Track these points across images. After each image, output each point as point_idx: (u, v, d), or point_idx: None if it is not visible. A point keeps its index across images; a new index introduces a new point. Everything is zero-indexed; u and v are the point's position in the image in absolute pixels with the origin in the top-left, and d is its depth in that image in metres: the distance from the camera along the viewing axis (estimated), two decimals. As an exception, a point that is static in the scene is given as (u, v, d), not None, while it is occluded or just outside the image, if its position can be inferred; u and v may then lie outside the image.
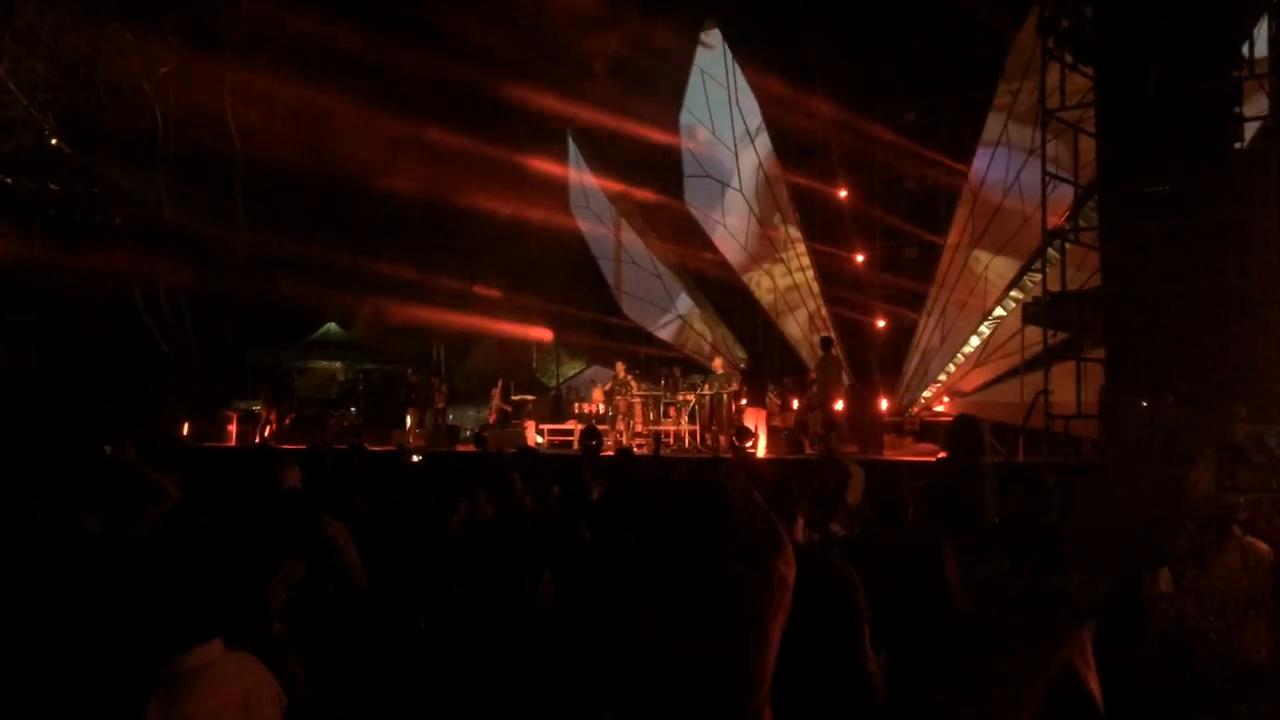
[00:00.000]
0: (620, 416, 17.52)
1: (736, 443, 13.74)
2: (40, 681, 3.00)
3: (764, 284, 19.39)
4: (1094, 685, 3.16)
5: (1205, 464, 3.81)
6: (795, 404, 16.74)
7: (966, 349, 17.38)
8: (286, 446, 15.37)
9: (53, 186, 23.41)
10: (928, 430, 15.78)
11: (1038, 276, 15.57)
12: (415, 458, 12.85)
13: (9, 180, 22.85)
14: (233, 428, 20.09)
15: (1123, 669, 3.28)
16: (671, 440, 16.83)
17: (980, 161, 16.90)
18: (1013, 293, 16.74)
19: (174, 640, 2.66)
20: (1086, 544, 3.08)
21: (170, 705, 2.61)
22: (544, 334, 25.65)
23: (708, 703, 2.73)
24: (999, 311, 16.96)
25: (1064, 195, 13.95)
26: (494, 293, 24.70)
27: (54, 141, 22.76)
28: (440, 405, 20.10)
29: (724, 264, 19.88)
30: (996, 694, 2.70)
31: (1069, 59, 13.23)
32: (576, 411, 19.17)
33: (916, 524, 4.71)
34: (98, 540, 4.19)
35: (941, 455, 8.09)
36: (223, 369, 22.87)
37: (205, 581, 2.86)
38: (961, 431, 5.63)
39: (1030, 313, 14.08)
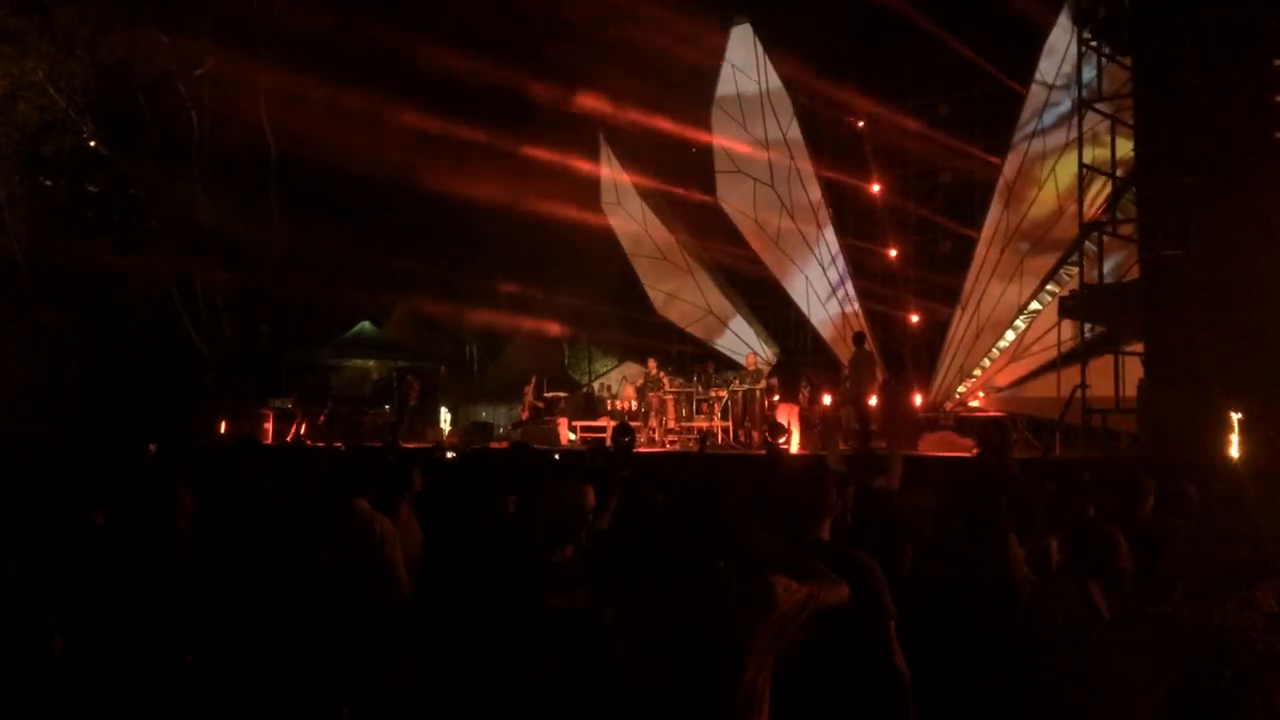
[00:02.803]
0: (653, 413, 17.50)
1: (769, 439, 13.67)
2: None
3: (796, 279, 19.26)
4: None
5: None
6: (829, 399, 16.62)
7: (1002, 343, 17.17)
8: (332, 444, 15.52)
9: (91, 188, 23.73)
10: (963, 426, 15.60)
11: (1074, 270, 15.36)
12: (450, 454, 12.88)
13: (49, 182, 23.19)
14: (269, 425, 20.25)
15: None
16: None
17: (1015, 154, 16.69)
18: (1049, 286, 16.52)
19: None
20: (1205, 571, 3.00)
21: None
22: (576, 331, 25.69)
23: None
24: (1035, 305, 16.74)
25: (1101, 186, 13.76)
26: (526, 290, 24.78)
27: (92, 144, 23.06)
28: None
29: (755, 260, 19.77)
30: (1115, 704, 2.70)
31: (1106, 49, 13.04)
32: (609, 408, 19.15)
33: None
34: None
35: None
36: (259, 367, 23.08)
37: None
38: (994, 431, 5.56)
39: (1067, 306, 13.85)
